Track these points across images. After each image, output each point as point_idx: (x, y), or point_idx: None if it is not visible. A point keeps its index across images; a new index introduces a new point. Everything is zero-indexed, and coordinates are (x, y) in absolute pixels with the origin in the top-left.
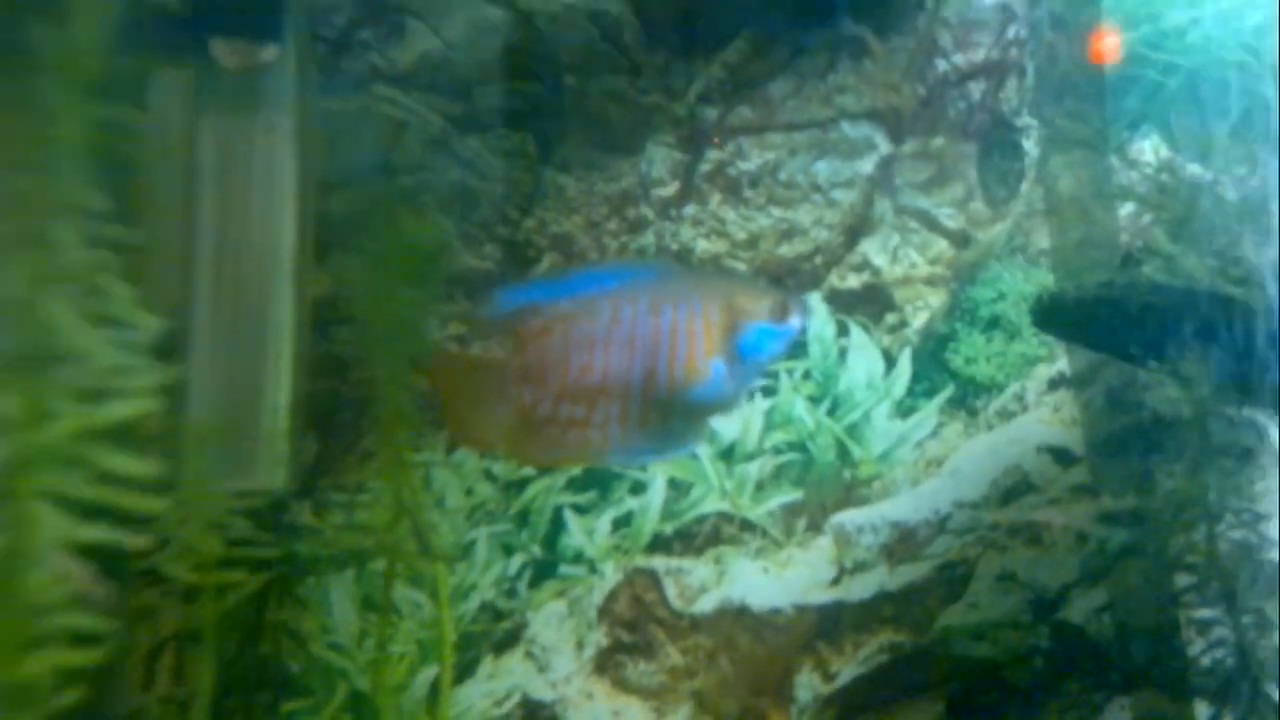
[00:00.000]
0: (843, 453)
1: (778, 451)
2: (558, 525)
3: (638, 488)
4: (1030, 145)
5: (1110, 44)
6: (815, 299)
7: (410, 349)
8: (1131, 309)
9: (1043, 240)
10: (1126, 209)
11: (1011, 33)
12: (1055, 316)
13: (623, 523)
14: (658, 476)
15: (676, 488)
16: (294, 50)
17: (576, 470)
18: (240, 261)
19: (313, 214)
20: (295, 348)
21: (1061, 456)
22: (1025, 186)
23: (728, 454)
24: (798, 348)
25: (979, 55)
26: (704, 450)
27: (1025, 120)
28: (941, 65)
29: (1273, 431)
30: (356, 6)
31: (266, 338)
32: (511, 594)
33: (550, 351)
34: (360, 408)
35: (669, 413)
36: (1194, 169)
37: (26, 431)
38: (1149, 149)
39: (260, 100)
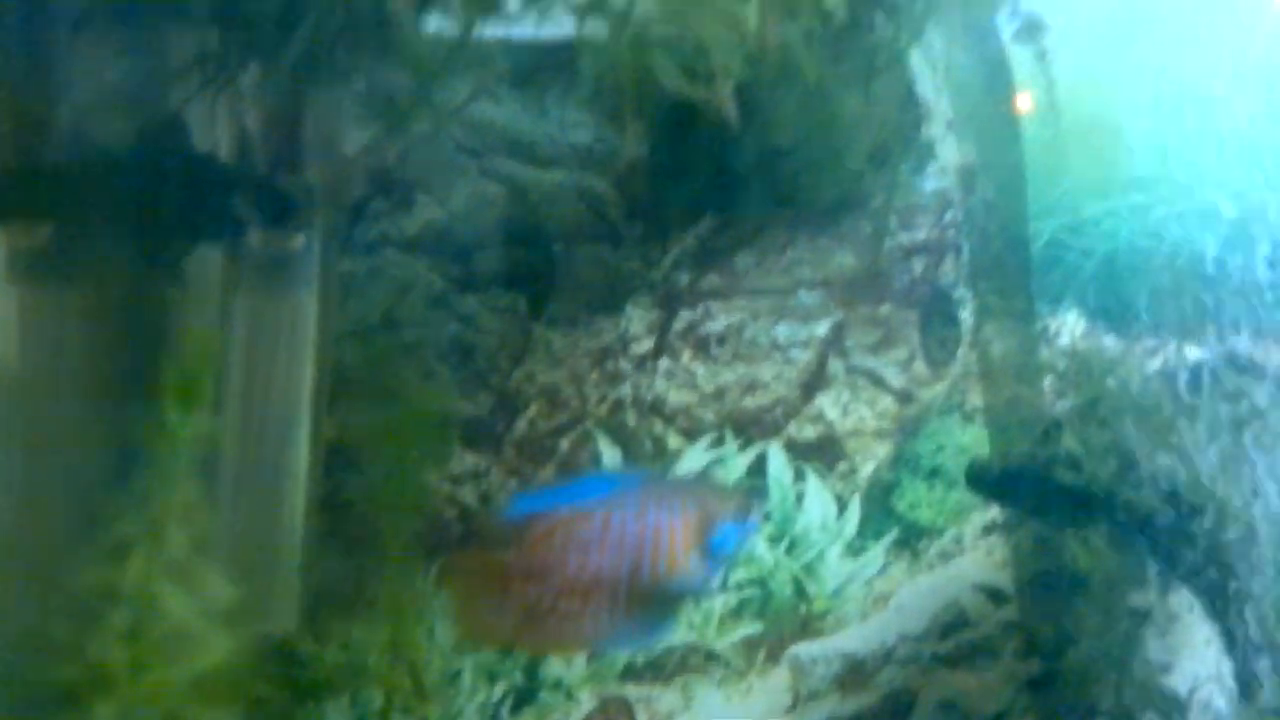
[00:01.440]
0: (799, 589)
1: (740, 588)
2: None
3: None
4: (966, 315)
5: None
6: (775, 447)
7: (412, 493)
8: (1049, 484)
9: (977, 399)
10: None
11: (948, 216)
12: (985, 481)
13: (598, 652)
14: None
15: None
16: (319, 234)
17: None
18: (264, 417)
19: (329, 366)
20: (308, 491)
21: (994, 595)
22: (962, 351)
23: None
24: (759, 492)
25: (920, 235)
26: None
27: (961, 293)
28: (888, 243)
29: (1171, 597)
30: (372, 182)
31: (284, 484)
32: (494, 719)
33: (552, 553)
34: (360, 545)
35: (651, 604)
36: (1109, 341)
37: (130, 683)
38: (1070, 323)
39: (288, 281)
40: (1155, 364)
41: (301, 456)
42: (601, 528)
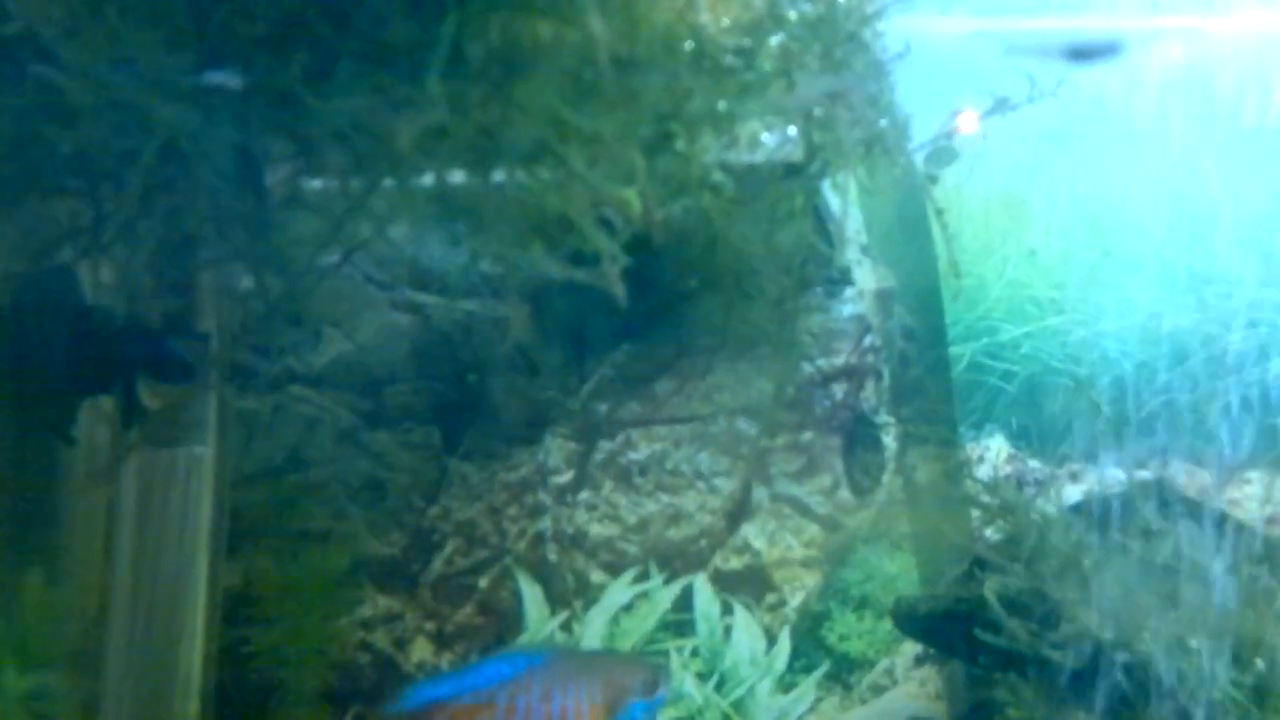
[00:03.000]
0: None
1: None
2: None
3: None
4: (889, 440)
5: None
6: (701, 579)
7: (317, 640)
8: (975, 624)
9: (904, 526)
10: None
11: (868, 341)
12: (911, 623)
13: None
14: None
15: None
16: (215, 382)
17: None
18: (156, 571)
19: (227, 513)
20: (206, 645)
21: None
22: (886, 477)
23: None
24: (686, 626)
25: (840, 360)
26: None
27: (884, 418)
28: (807, 368)
29: None
30: (276, 316)
31: (179, 639)
32: None
33: None
34: (265, 700)
35: None
36: (1034, 465)
37: None
38: (994, 447)
39: (180, 434)
40: (1079, 491)
41: (198, 609)
42: (506, 712)
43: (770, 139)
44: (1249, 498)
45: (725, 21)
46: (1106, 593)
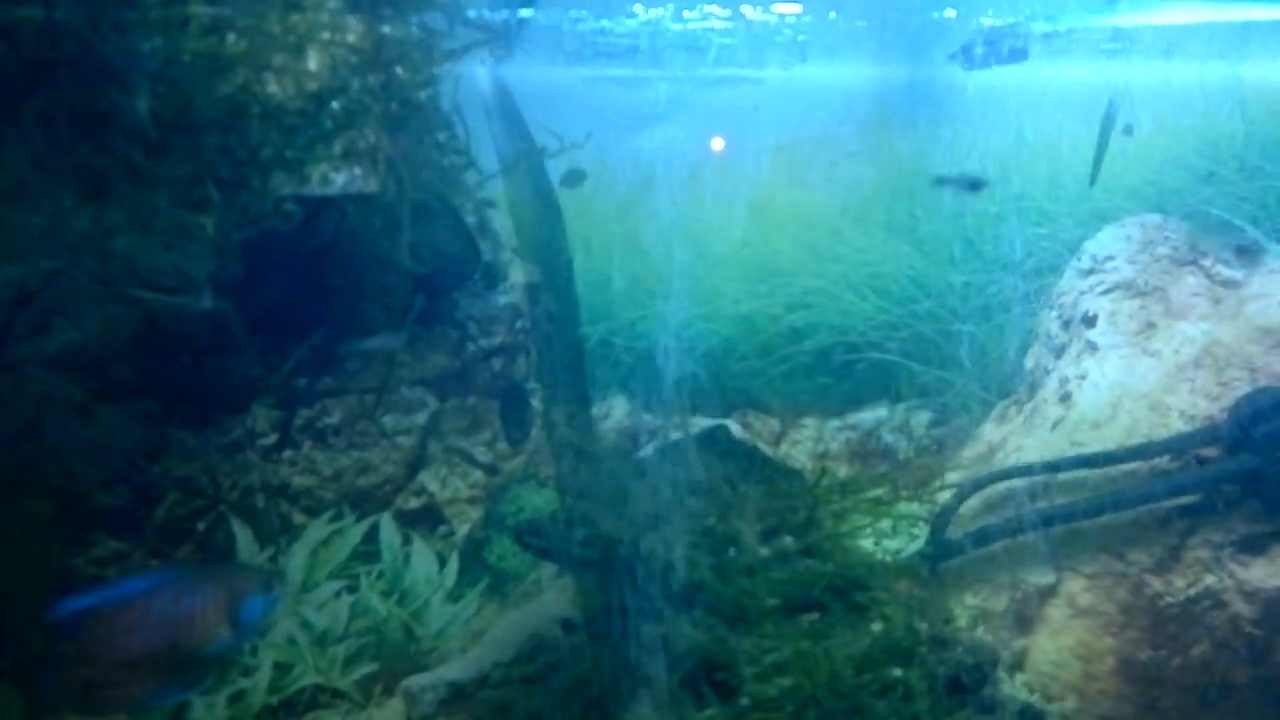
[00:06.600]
0: (409, 633)
1: (359, 635)
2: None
3: (251, 670)
4: (536, 402)
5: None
6: (386, 517)
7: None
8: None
9: (547, 469)
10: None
11: (519, 324)
12: (521, 536)
13: (236, 699)
14: (266, 660)
15: (281, 668)
16: None
17: None
18: None
19: None
20: None
21: (567, 625)
22: (534, 432)
23: (321, 640)
24: (374, 555)
25: (498, 339)
26: (302, 638)
27: (533, 385)
28: (471, 346)
29: None
30: (6, 311)
31: None
32: None
33: (100, 640)
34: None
35: (188, 668)
36: (647, 418)
37: None
38: (617, 406)
39: None
40: (670, 439)
41: None
42: (142, 615)
43: (341, 178)
44: (806, 438)
45: (291, 91)
46: (633, 511)
